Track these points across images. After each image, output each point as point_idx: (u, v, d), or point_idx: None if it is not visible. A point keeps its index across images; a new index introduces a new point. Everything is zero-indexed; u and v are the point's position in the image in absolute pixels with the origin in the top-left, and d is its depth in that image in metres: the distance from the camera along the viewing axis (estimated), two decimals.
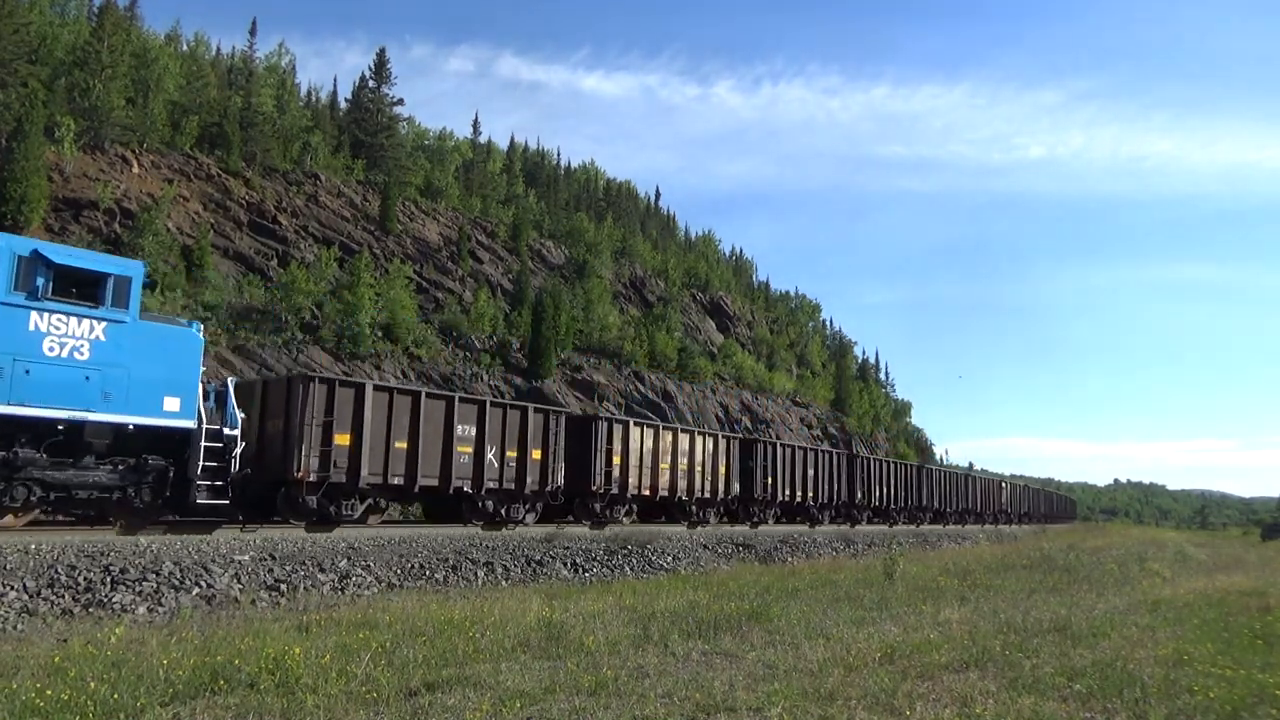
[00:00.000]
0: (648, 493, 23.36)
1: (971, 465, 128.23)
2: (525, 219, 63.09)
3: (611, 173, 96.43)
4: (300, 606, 11.52)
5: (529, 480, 19.77)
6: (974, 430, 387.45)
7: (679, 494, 24.60)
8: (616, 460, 22.24)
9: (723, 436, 27.45)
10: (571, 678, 7.08)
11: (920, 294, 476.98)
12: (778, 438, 52.40)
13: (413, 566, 15.33)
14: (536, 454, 20.02)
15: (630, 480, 22.73)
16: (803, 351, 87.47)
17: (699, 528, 24.89)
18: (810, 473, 30.97)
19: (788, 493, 29.49)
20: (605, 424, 22.49)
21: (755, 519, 28.14)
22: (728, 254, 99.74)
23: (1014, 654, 8.55)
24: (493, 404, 19.46)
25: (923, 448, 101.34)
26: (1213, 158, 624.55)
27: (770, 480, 28.56)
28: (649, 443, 23.60)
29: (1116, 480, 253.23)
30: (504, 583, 15.72)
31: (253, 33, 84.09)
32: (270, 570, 13.45)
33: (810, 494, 30.85)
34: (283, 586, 12.93)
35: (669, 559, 20.05)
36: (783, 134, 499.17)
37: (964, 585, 15.72)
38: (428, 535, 18.02)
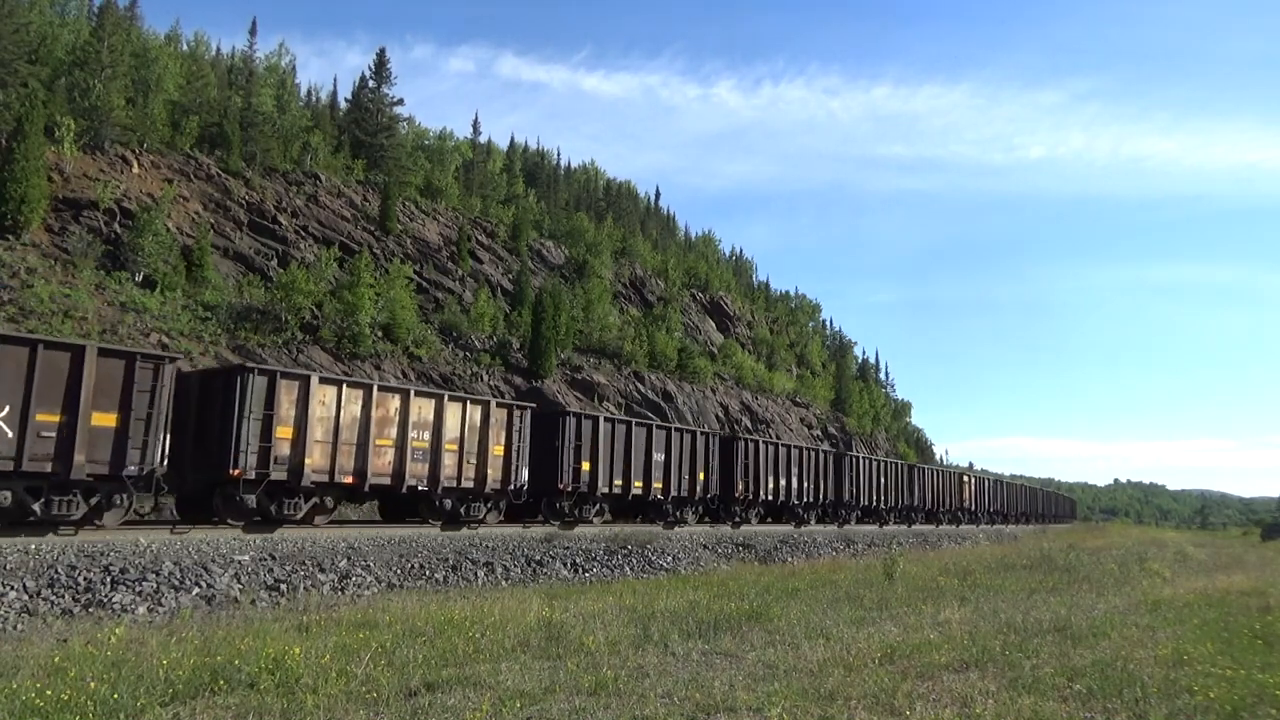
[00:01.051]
0: (350, 480, 17.21)
1: (971, 465, 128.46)
2: (525, 219, 63.06)
3: (611, 173, 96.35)
4: (300, 606, 11.52)
5: (80, 459, 13.37)
6: (974, 430, 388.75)
7: (415, 482, 18.36)
8: (285, 433, 16.20)
9: (498, 405, 20.59)
10: (571, 678, 7.08)
11: (920, 294, 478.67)
12: (778, 436, 52.41)
13: (413, 566, 15.36)
14: (106, 420, 13.78)
15: (312, 462, 16.46)
16: (803, 351, 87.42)
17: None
18: (658, 458, 24.64)
19: (619, 483, 23.35)
20: (264, 380, 16.08)
21: (567, 517, 22.05)
22: (728, 254, 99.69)
23: (1014, 654, 8.55)
24: (4, 339, 13.21)
25: (923, 447, 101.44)
26: (1213, 158, 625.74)
27: (590, 467, 22.44)
28: (354, 410, 17.30)
29: (1116, 480, 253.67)
30: (504, 583, 15.75)
31: (253, 33, 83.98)
32: (270, 570, 13.48)
33: (658, 485, 24.63)
34: (283, 586, 12.95)
35: (669, 559, 20.12)
36: (783, 134, 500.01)
37: (964, 585, 15.73)
38: (429, 535, 18.07)
